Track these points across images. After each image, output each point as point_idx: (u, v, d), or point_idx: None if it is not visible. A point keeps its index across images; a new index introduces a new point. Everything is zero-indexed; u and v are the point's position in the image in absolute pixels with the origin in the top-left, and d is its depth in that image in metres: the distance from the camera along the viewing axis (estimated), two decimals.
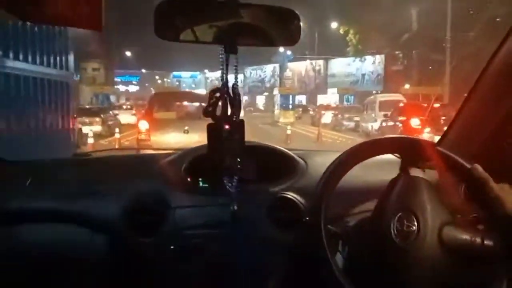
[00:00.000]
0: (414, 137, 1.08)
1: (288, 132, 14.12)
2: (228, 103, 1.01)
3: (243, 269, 1.26)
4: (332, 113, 24.64)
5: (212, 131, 1.04)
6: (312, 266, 1.06)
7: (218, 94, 1.01)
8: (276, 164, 1.44)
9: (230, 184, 1.09)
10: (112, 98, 29.49)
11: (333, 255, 1.02)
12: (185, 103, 8.85)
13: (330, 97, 39.01)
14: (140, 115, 16.12)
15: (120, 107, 24.85)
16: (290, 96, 28.15)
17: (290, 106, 27.71)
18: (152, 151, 1.83)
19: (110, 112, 19.37)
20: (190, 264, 1.29)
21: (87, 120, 14.72)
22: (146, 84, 51.47)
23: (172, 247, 1.27)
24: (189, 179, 1.39)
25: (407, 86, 27.95)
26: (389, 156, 1.18)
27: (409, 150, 1.06)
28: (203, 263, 1.28)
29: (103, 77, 34.61)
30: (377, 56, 38.77)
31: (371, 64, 41.02)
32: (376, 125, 17.00)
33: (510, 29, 1.14)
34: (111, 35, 34.12)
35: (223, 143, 1.03)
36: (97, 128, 15.55)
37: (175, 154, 1.49)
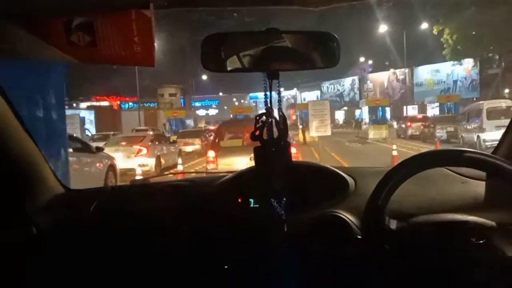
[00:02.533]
0: (469, 149, 1.07)
1: (394, 153, 11.63)
2: (274, 126, 1.07)
3: None
4: (422, 124, 22.21)
5: (259, 154, 1.09)
6: (366, 284, 1.08)
7: (264, 118, 1.06)
8: (325, 182, 1.46)
9: (278, 205, 1.13)
10: (189, 122, 29.27)
11: (386, 273, 1.01)
12: (250, 130, 7.58)
13: (428, 107, 35.43)
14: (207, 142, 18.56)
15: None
16: (380, 109, 25.56)
17: (381, 120, 25.09)
18: (204, 175, 1.98)
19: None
20: (242, 284, 1.32)
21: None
22: (225, 107, 52.84)
23: (226, 267, 1.30)
24: (240, 200, 1.44)
25: (506, 90, 24.35)
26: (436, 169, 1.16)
27: (469, 164, 1.06)
28: (255, 283, 1.31)
29: (180, 101, 34.97)
30: (470, 60, 35.73)
31: (464, 69, 38.04)
32: (486, 136, 15.07)
33: None
34: (186, 60, 34.43)
35: (270, 165, 1.08)
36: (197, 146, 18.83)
37: (225, 176, 1.55)
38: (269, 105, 1.08)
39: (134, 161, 12.85)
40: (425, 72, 40.67)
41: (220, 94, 50.76)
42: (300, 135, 24.68)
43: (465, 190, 1.35)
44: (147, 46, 1.36)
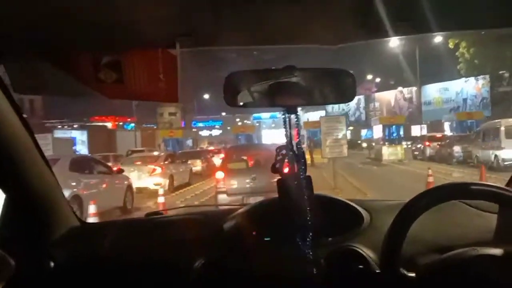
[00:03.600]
0: (487, 183, 1.09)
1: (430, 179, 9.62)
2: (295, 159, 1.09)
3: None
4: (438, 144, 21.14)
5: (282, 187, 1.11)
6: None
7: (284, 151, 1.09)
8: (340, 215, 1.45)
9: (302, 240, 1.14)
10: (188, 143, 27.15)
11: None
12: (254, 154, 10.02)
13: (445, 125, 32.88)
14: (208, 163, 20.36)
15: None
16: (394, 127, 23.21)
17: (396, 140, 22.85)
18: (221, 207, 2.10)
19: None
20: None
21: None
22: (228, 128, 51.66)
23: None
24: (255, 234, 1.43)
25: None
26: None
27: (489, 198, 1.06)
28: None
29: (180, 120, 32.85)
30: (480, 77, 34.58)
31: (474, 87, 36.65)
32: (505, 154, 14.90)
33: None
34: (187, 79, 32.49)
35: (293, 199, 1.10)
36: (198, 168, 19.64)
37: (241, 209, 1.55)
38: (289, 138, 1.11)
39: (148, 180, 13.68)
40: (433, 91, 39.95)
41: (223, 114, 49.18)
42: (308, 157, 22.18)
43: (479, 223, 1.35)
44: (171, 84, 1.39)
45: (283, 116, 1.10)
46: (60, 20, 1.16)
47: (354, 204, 1.50)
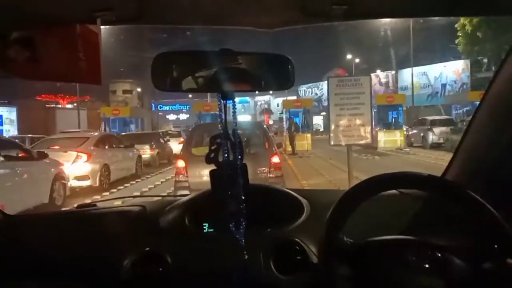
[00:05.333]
0: (431, 174, 1.06)
1: None
2: (230, 148, 1.06)
3: None
4: (451, 129, 17.85)
5: (215, 177, 1.08)
6: None
7: (219, 140, 1.06)
8: (280, 205, 1.43)
9: (236, 229, 1.10)
10: (138, 124, 22.26)
11: None
12: None
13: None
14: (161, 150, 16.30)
15: (165, 134, 21.51)
16: (392, 109, 19.24)
17: (395, 124, 18.75)
18: (157, 198, 1.78)
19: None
20: None
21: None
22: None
23: None
24: (193, 225, 1.38)
25: None
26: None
27: (432, 188, 1.07)
28: None
29: (136, 100, 27.49)
30: (460, 62, 33.06)
31: (454, 72, 35.04)
32: None
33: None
34: (145, 51, 27.37)
35: (227, 188, 1.07)
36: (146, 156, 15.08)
37: (179, 200, 1.50)
38: (224, 126, 1.06)
39: (69, 172, 9.35)
40: (410, 75, 36.36)
41: (190, 96, 44.56)
42: (287, 143, 17.71)
43: (414, 210, 1.33)
44: (93, 63, 1.26)
45: (219, 102, 1.05)
46: None
47: (295, 194, 1.48)
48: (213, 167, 1.08)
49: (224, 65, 1.03)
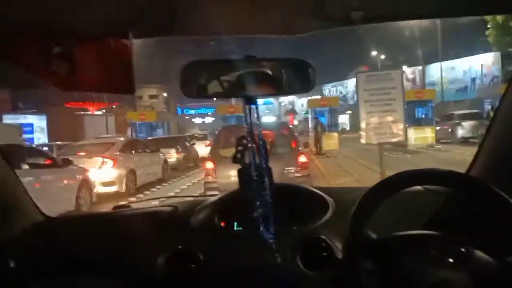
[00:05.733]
0: (456, 171, 1.06)
1: None
2: (256, 149, 1.09)
3: None
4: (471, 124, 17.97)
5: (242, 177, 1.11)
6: None
7: (245, 141, 1.09)
8: (306, 203, 1.47)
9: (264, 227, 1.13)
10: (166, 128, 22.24)
11: None
12: None
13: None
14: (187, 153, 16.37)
15: (192, 137, 21.66)
16: (420, 106, 18.66)
17: (425, 120, 18.09)
18: (188, 198, 1.79)
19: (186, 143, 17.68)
20: None
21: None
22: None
23: None
24: (223, 224, 1.42)
25: None
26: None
27: (455, 184, 1.07)
28: None
29: (163, 104, 27.60)
30: (490, 54, 31.69)
31: (483, 66, 33.60)
32: None
33: None
34: (170, 57, 27.54)
35: (254, 187, 1.10)
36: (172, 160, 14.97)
37: (209, 199, 1.55)
38: (250, 128, 1.10)
39: (95, 178, 9.23)
40: (438, 70, 36.49)
41: (215, 99, 44.75)
42: (311, 142, 17.30)
43: (438, 206, 1.35)
44: (126, 75, 1.33)
45: (244, 106, 1.08)
46: (7, 6, 1.06)
47: (319, 192, 1.50)
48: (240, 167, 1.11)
49: (247, 71, 1.06)
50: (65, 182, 7.87)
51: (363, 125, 7.04)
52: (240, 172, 1.10)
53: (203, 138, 20.96)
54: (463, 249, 0.94)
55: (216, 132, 10.69)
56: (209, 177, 7.22)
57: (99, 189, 9.27)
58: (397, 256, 0.98)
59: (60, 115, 24.03)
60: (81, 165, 8.85)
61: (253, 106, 1.08)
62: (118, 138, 12.43)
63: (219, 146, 7.80)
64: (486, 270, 0.92)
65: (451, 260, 0.93)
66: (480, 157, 1.38)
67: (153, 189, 10.81)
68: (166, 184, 11.78)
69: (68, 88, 1.44)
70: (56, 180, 7.64)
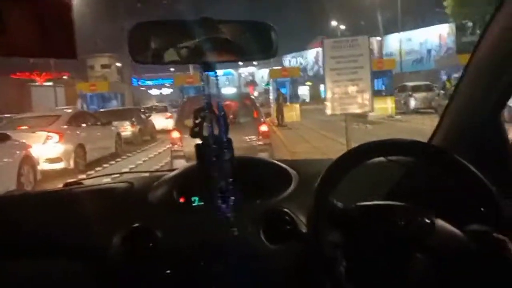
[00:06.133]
0: (418, 140, 1.08)
1: None
2: (214, 121, 1.05)
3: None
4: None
5: (200, 151, 1.06)
6: (313, 279, 1.08)
7: (203, 114, 1.04)
8: (268, 176, 1.42)
9: (224, 202, 1.10)
10: (119, 99, 21.05)
11: (334, 265, 0.99)
12: None
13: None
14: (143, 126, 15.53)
15: (150, 109, 20.60)
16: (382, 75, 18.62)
17: (385, 90, 18.15)
18: (145, 173, 1.70)
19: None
20: (187, 287, 1.27)
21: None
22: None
23: (168, 271, 1.23)
24: (182, 200, 1.37)
25: None
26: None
27: (417, 154, 1.09)
28: (201, 284, 1.25)
29: (116, 75, 26.14)
30: (445, 26, 32.18)
31: (438, 37, 34.40)
32: None
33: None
34: (123, 24, 26.02)
35: (213, 162, 1.05)
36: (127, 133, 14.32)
37: (167, 175, 1.48)
38: (208, 99, 1.05)
39: (40, 155, 8.32)
40: (395, 41, 37.46)
41: (172, 69, 43.44)
42: (274, 114, 17.02)
43: (401, 177, 1.33)
44: (67, 36, 1.13)
45: (200, 73, 1.01)
46: None
47: (282, 165, 1.47)
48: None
49: (205, 35, 0.98)
50: (4, 159, 7.04)
51: (329, 95, 6.62)
52: (198, 146, 1.05)
53: (163, 110, 20.20)
54: (427, 220, 0.94)
55: (180, 102, 10.74)
56: (175, 145, 7.41)
57: (44, 166, 8.45)
58: (362, 225, 0.98)
59: (3, 86, 22.27)
60: (23, 141, 8.00)
61: (212, 75, 1.01)
62: (64, 110, 11.46)
63: (184, 117, 7.83)
64: (449, 240, 0.93)
65: (416, 230, 0.94)
66: (442, 127, 1.40)
67: (105, 165, 10.08)
68: (119, 160, 11.05)
69: None
70: None
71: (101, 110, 17.92)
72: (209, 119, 1.02)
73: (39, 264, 1.30)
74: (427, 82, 22.45)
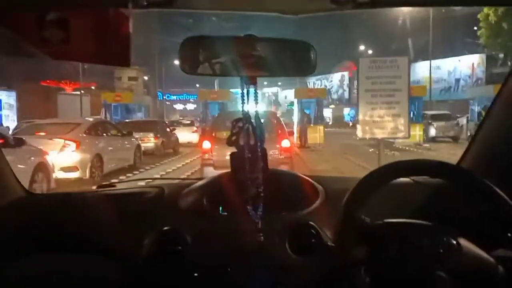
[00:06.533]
0: (447, 162, 1.07)
1: None
2: (251, 132, 1.10)
3: None
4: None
5: (235, 160, 1.11)
6: None
7: (240, 124, 1.09)
8: (296, 190, 1.44)
9: (253, 212, 1.14)
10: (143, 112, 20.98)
11: (358, 280, 0.98)
12: None
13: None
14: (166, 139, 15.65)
15: (178, 123, 20.98)
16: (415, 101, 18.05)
17: (415, 117, 17.61)
18: (175, 181, 1.72)
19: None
20: None
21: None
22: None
23: (195, 274, 1.26)
24: (210, 207, 1.39)
25: None
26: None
27: (445, 175, 1.08)
28: None
29: (142, 88, 26.41)
30: (476, 56, 31.93)
31: (468, 67, 33.66)
32: None
33: None
34: (152, 39, 26.33)
35: (246, 171, 1.10)
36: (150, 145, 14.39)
37: (197, 182, 1.51)
38: (246, 110, 1.11)
39: (55, 162, 8.00)
40: (423, 69, 36.60)
41: (197, 85, 44.06)
42: (297, 135, 16.65)
43: (428, 198, 1.36)
44: (123, 46, 1.26)
45: (241, 86, 1.09)
46: None
47: (310, 180, 1.50)
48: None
49: (246, 51, 1.04)
50: (17, 165, 6.67)
51: (361, 117, 6.15)
52: (233, 155, 1.11)
53: (190, 124, 20.36)
54: (453, 241, 0.94)
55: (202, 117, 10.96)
56: (206, 154, 8.07)
57: (59, 174, 8.21)
58: (389, 241, 0.97)
59: (32, 92, 22.72)
60: (40, 147, 7.77)
61: (251, 90, 1.07)
62: (86, 119, 11.28)
63: (215, 129, 8.62)
64: (475, 262, 0.93)
65: (441, 251, 0.93)
66: (471, 151, 1.44)
67: (121, 177, 9.67)
68: (137, 172, 10.73)
69: (60, 57, 1.37)
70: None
71: (126, 120, 18.01)
72: (246, 129, 1.08)
73: (71, 260, 1.34)
74: (447, 112, 22.71)
